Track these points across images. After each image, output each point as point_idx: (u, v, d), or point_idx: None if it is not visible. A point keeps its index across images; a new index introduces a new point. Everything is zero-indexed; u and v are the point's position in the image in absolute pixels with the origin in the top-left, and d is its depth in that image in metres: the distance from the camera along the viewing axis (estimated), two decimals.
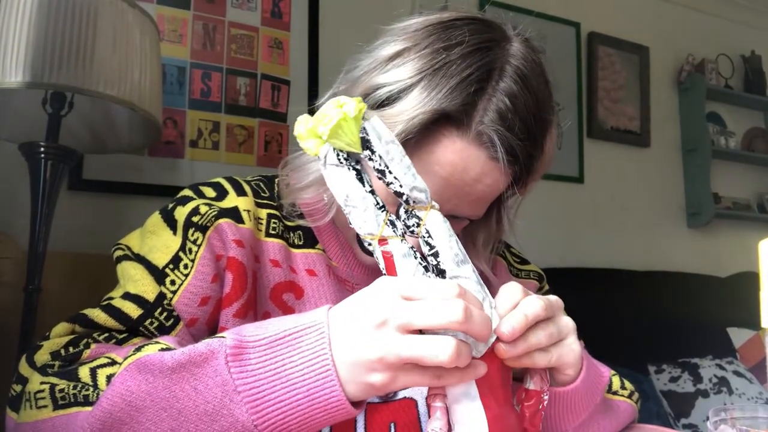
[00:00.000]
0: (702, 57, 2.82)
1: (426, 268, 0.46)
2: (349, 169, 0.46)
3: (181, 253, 0.60)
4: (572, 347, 0.51)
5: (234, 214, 0.63)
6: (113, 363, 0.48)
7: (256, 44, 1.90)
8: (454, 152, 0.57)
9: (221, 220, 0.62)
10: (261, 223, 0.65)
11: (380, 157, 0.46)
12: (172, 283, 0.59)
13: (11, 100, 1.31)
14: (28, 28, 1.08)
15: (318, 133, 0.46)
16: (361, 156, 0.47)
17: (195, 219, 0.61)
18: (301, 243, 0.68)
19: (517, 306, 0.48)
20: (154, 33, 1.28)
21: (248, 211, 0.64)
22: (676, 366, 2.09)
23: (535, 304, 0.48)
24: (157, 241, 0.61)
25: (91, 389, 0.47)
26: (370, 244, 0.47)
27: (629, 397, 0.70)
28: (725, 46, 2.94)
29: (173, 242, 0.61)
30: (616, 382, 0.71)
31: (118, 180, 1.66)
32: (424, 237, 0.47)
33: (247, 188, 0.67)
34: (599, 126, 2.53)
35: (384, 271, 0.47)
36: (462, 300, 0.41)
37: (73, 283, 1.39)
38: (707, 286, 2.48)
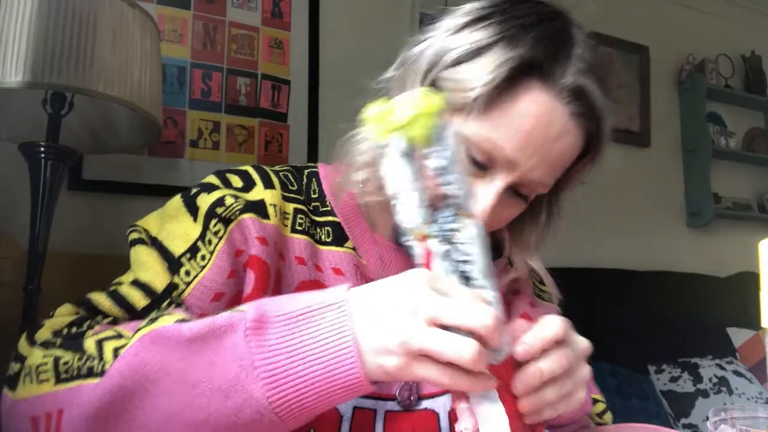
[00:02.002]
0: (702, 57, 2.82)
1: (456, 272, 0.46)
2: (409, 161, 0.46)
3: (199, 243, 0.58)
4: (578, 400, 0.49)
5: (260, 208, 0.61)
6: (120, 336, 0.47)
7: (256, 44, 1.90)
8: (539, 104, 0.56)
9: (245, 215, 0.59)
10: (287, 218, 0.63)
11: (447, 155, 0.46)
12: (187, 273, 0.57)
13: (11, 100, 1.31)
14: (28, 28, 1.08)
15: (391, 120, 0.45)
16: (426, 151, 0.46)
17: (219, 210, 0.59)
18: (329, 240, 0.65)
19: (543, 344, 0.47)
20: (154, 33, 1.28)
21: (274, 205, 0.62)
22: (676, 366, 2.09)
23: (561, 355, 0.47)
24: (177, 227, 0.59)
25: (96, 361, 0.45)
26: (410, 239, 0.47)
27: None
28: (725, 46, 2.94)
29: (193, 230, 0.59)
30: (599, 407, 0.73)
31: (118, 180, 1.66)
32: (460, 243, 0.46)
33: (275, 180, 0.64)
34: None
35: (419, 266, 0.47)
36: (488, 307, 0.42)
37: (73, 283, 1.39)
38: (707, 286, 2.48)
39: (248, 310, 0.43)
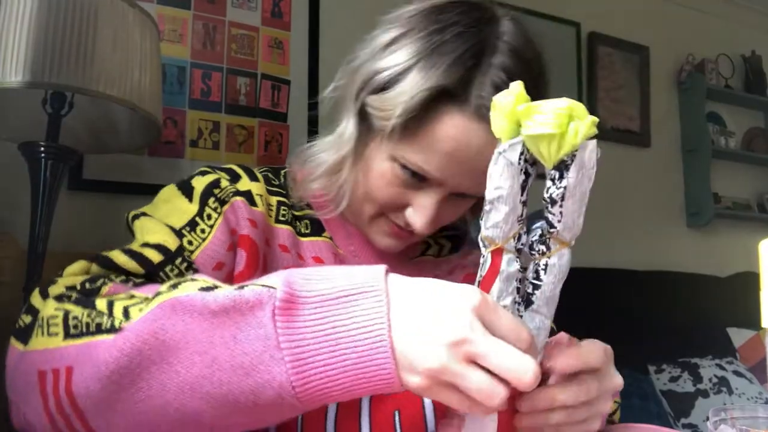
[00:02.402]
0: (702, 57, 2.82)
1: (518, 290, 0.44)
2: (521, 172, 0.42)
3: (197, 218, 0.60)
4: (589, 430, 0.49)
5: (248, 196, 0.65)
6: (132, 297, 0.46)
7: (256, 44, 1.90)
8: (456, 127, 0.58)
9: (237, 198, 0.63)
10: (272, 209, 0.67)
11: (564, 187, 0.42)
12: (190, 243, 0.59)
13: (11, 100, 1.31)
14: (28, 28, 1.08)
15: (529, 125, 0.40)
16: (549, 174, 0.42)
17: (216, 191, 0.63)
18: (308, 231, 0.69)
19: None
20: (154, 33, 1.28)
21: (260, 195, 0.66)
22: (676, 366, 2.09)
23: (584, 389, 0.46)
24: (172, 207, 0.61)
25: (106, 317, 0.43)
26: (486, 247, 0.44)
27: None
28: (725, 46, 2.94)
29: (190, 208, 0.61)
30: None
31: (118, 180, 1.66)
32: (539, 266, 0.44)
33: (259, 175, 0.69)
34: (599, 126, 2.50)
35: (479, 277, 0.44)
36: (533, 361, 0.39)
37: None
38: (707, 286, 2.48)
39: (278, 287, 0.40)
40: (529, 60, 0.61)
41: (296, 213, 0.69)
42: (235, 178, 0.66)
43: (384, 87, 0.60)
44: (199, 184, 0.63)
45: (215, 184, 0.63)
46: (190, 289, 0.42)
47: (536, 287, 0.44)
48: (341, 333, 0.39)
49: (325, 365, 0.39)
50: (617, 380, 0.50)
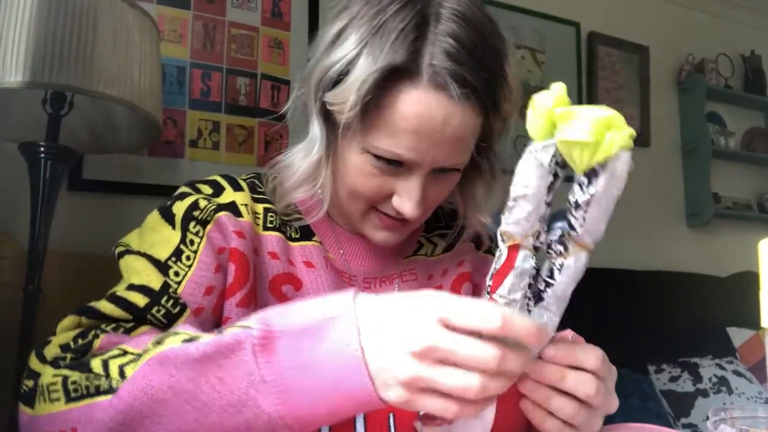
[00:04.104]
0: (702, 57, 2.82)
1: (529, 286, 0.44)
2: (550, 173, 0.42)
3: (182, 246, 0.61)
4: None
5: (232, 208, 0.64)
6: (125, 353, 0.48)
7: (256, 44, 1.90)
8: (415, 102, 0.57)
9: (220, 214, 0.63)
10: (258, 217, 0.67)
11: (591, 195, 0.41)
12: (176, 274, 0.59)
13: (11, 100, 1.31)
14: (28, 28, 1.08)
15: (564, 128, 0.39)
16: (577, 179, 0.41)
17: (195, 213, 0.63)
18: (298, 236, 0.69)
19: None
20: (154, 33, 1.28)
21: (246, 205, 0.66)
22: (676, 366, 2.09)
23: (595, 383, 0.48)
24: (157, 236, 0.62)
25: (103, 379, 0.46)
26: (503, 241, 0.44)
27: None
28: (725, 46, 2.94)
29: (173, 236, 0.61)
30: None
31: (118, 180, 1.66)
32: (554, 265, 0.44)
33: (243, 184, 0.68)
34: None
35: (493, 270, 0.44)
36: (497, 349, 0.40)
37: (73, 283, 1.39)
38: (707, 286, 2.48)
39: (254, 326, 0.43)
40: (477, 22, 0.59)
41: (285, 218, 0.69)
42: (218, 190, 0.66)
43: (338, 80, 0.59)
44: (179, 209, 0.63)
45: (194, 206, 0.63)
46: (173, 342, 0.45)
47: (549, 285, 0.44)
48: (318, 360, 0.41)
49: (308, 392, 0.41)
50: (615, 401, 0.51)
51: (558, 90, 0.42)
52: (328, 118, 0.63)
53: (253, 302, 0.63)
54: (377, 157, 0.60)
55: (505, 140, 0.68)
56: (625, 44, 2.66)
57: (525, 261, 0.43)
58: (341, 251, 0.71)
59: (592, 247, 0.44)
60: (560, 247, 0.43)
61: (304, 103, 0.66)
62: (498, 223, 0.45)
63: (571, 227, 0.43)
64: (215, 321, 0.62)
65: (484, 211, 0.72)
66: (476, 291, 0.76)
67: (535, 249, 0.44)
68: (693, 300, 2.37)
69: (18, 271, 1.21)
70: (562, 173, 0.42)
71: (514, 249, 0.43)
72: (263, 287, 0.65)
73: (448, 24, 0.58)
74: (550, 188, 0.42)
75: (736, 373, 2.11)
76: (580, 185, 0.41)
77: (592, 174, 0.41)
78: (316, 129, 0.64)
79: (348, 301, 0.43)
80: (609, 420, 0.73)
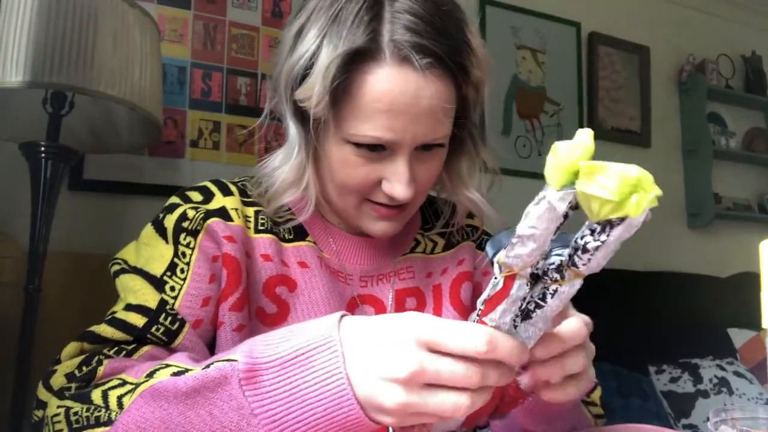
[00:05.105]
0: (702, 57, 2.82)
1: (520, 306, 0.44)
2: (561, 217, 0.40)
3: (176, 259, 0.61)
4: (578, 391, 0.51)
5: (222, 213, 0.65)
6: (124, 384, 0.49)
7: (256, 44, 1.90)
8: (382, 81, 0.58)
9: (210, 221, 0.63)
10: (249, 221, 0.67)
11: (602, 242, 0.40)
12: (172, 289, 0.60)
13: (11, 100, 1.31)
14: (29, 28, 1.08)
15: (594, 192, 0.37)
16: (587, 227, 0.40)
17: (185, 224, 0.63)
18: (291, 237, 0.69)
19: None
20: (154, 33, 1.28)
21: (236, 209, 0.66)
22: (676, 366, 2.09)
23: (581, 358, 0.49)
24: (152, 251, 0.62)
25: (103, 410, 0.48)
26: (500, 270, 0.43)
27: (596, 416, 0.72)
28: (726, 46, 2.94)
29: (167, 251, 0.62)
30: (597, 394, 0.73)
31: (118, 180, 1.66)
32: (547, 290, 0.43)
33: (233, 188, 0.68)
34: (599, 126, 2.53)
35: (486, 296, 0.43)
36: (479, 367, 0.40)
37: (73, 282, 1.39)
38: (707, 287, 2.48)
39: (239, 359, 0.43)
40: None
41: (277, 219, 0.69)
42: (208, 196, 0.66)
43: (304, 75, 0.60)
44: (170, 222, 0.63)
45: (182, 217, 0.63)
46: (163, 375, 0.46)
47: (539, 306, 0.44)
48: (305, 389, 0.41)
49: (298, 421, 0.41)
50: (592, 348, 0.53)
51: (584, 139, 0.40)
52: (302, 117, 0.63)
53: (246, 306, 0.63)
54: (358, 145, 0.61)
55: (479, 111, 0.68)
56: (626, 44, 2.66)
57: (520, 289, 0.42)
58: (336, 250, 0.71)
59: (586, 275, 0.43)
60: (557, 275, 0.43)
61: (277, 108, 0.67)
62: (496, 248, 0.44)
63: (573, 263, 0.41)
64: (215, 330, 0.62)
65: (471, 187, 0.72)
66: (476, 290, 0.76)
67: (531, 276, 0.43)
68: (694, 301, 2.37)
69: (18, 271, 1.21)
70: (572, 214, 0.41)
71: (510, 279, 0.42)
72: (256, 290, 0.65)
73: (403, 1, 0.58)
74: (557, 228, 0.41)
75: (737, 373, 2.11)
76: (592, 231, 0.40)
77: (607, 224, 0.39)
78: (292, 131, 0.64)
79: (332, 327, 0.43)
80: (609, 420, 0.74)
